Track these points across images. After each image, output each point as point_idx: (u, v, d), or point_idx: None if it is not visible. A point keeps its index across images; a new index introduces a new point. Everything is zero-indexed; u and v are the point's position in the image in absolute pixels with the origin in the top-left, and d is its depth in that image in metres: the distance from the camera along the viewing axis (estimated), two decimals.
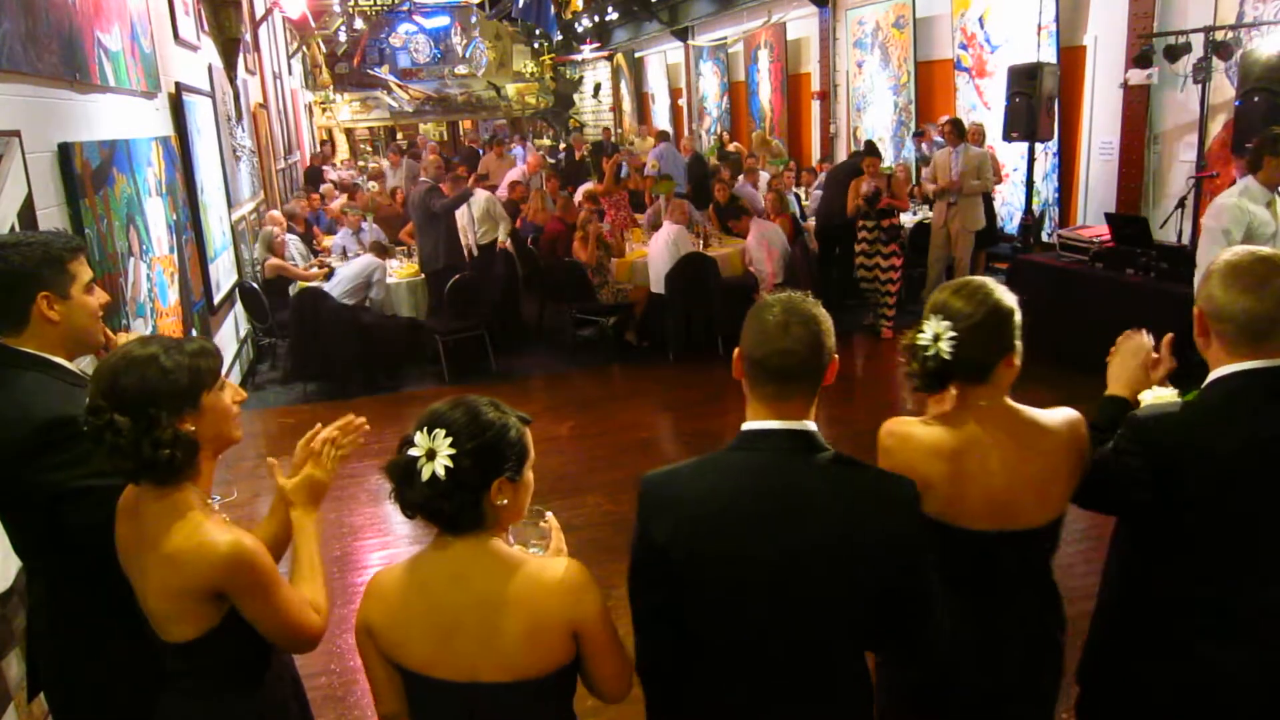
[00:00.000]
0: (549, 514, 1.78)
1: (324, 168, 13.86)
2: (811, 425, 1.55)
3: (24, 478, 1.79)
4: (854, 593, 1.51)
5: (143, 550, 1.62)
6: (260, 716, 1.74)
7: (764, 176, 9.94)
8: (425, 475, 1.47)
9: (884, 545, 1.50)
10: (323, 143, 19.91)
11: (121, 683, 1.92)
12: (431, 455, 1.48)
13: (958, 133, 7.54)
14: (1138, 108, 7.22)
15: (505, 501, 1.53)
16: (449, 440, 1.47)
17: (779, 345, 1.51)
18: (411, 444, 1.50)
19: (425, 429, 1.50)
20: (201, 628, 1.61)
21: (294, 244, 8.11)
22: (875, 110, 11.32)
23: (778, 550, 1.49)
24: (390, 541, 4.51)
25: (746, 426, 1.58)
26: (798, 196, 9.64)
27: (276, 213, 8.55)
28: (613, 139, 17.77)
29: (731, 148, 13.12)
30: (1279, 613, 1.72)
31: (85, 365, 2.07)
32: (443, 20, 22.78)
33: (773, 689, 1.57)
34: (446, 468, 1.46)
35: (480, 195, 7.75)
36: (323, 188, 11.18)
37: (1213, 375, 1.74)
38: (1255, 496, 1.68)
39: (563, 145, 18.61)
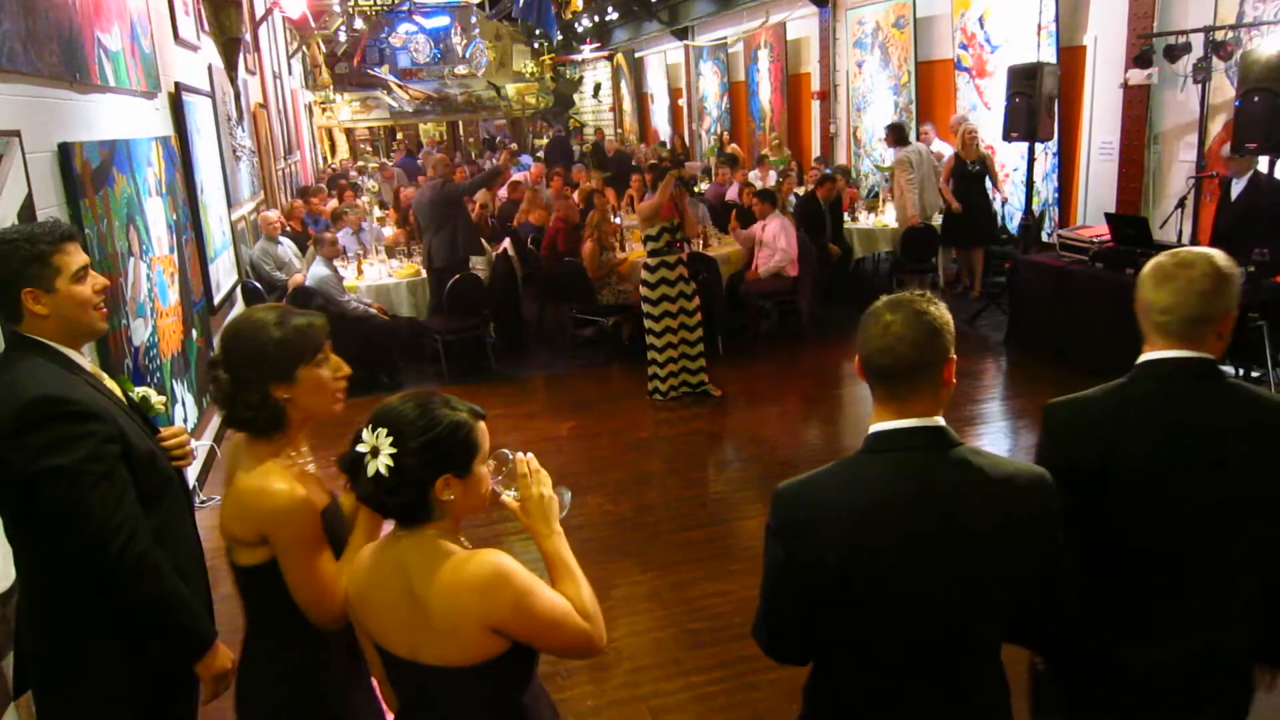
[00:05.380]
0: (519, 455, 1.69)
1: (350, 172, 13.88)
2: (941, 421, 1.54)
3: (4, 456, 1.80)
4: (1008, 575, 1.51)
5: (227, 486, 1.82)
6: (295, 668, 1.82)
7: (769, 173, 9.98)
8: (370, 472, 1.51)
9: (1037, 524, 1.51)
10: (340, 161, 19.85)
11: (108, 667, 1.91)
12: (375, 453, 1.51)
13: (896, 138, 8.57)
14: (1138, 108, 7.22)
15: (453, 497, 1.54)
16: (390, 440, 1.50)
17: (879, 344, 1.52)
18: (360, 439, 1.54)
19: (371, 426, 1.53)
20: (253, 560, 1.78)
21: (289, 248, 8.04)
22: (875, 110, 11.32)
23: (935, 546, 1.48)
24: None
25: (875, 428, 1.56)
26: (797, 196, 9.66)
27: (271, 214, 8.52)
28: (604, 139, 17.67)
29: (730, 149, 13.11)
30: (1195, 609, 1.74)
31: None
32: (443, 20, 22.72)
33: (919, 675, 1.56)
34: (389, 466, 1.49)
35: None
36: (327, 191, 11.15)
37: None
38: (1158, 486, 1.70)
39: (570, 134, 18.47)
